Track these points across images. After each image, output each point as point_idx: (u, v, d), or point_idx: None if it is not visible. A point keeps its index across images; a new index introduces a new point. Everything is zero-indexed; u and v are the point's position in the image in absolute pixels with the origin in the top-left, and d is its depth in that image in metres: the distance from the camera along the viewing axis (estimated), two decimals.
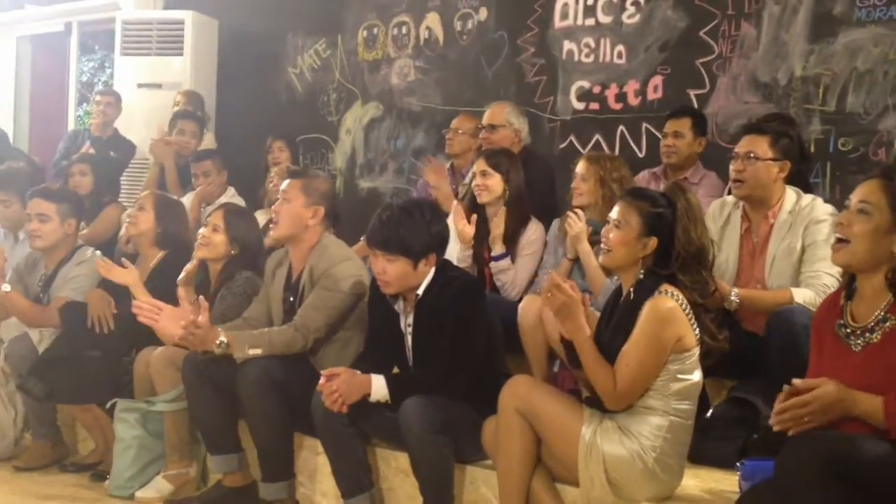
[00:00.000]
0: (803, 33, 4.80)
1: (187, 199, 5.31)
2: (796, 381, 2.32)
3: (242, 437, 3.66)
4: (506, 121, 4.73)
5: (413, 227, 3.18)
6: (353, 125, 6.61)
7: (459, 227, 4.09)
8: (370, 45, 6.56)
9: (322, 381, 3.16)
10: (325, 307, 3.51)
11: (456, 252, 4.06)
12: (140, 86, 6.93)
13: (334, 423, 3.21)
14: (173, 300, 3.82)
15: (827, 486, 2.12)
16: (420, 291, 3.23)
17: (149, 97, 6.86)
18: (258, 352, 3.41)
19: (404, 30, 6.39)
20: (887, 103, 4.53)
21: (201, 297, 3.55)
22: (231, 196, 5.48)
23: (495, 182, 4.11)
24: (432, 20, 6.26)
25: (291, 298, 3.65)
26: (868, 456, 2.15)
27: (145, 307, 3.53)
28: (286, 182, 3.70)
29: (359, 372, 3.18)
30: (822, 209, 3.41)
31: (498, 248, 4.03)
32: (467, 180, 4.92)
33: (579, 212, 3.81)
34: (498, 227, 4.04)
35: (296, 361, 3.47)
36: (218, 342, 3.38)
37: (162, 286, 3.98)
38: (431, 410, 3.01)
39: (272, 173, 5.23)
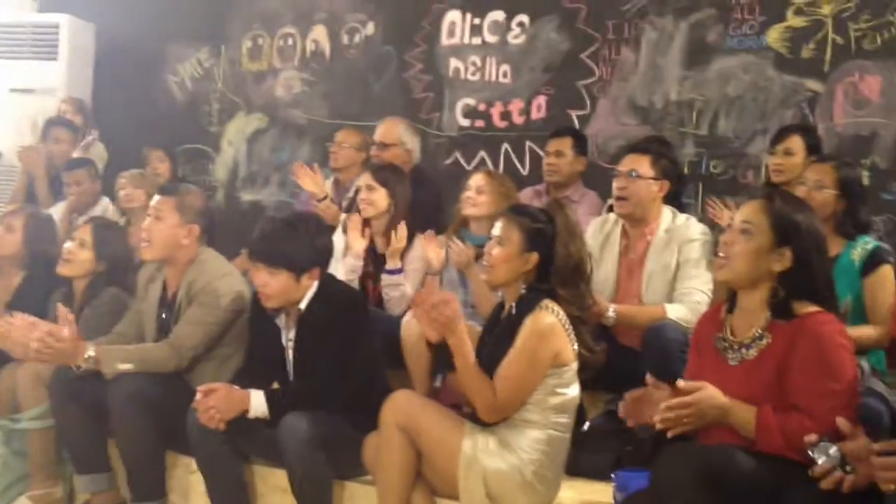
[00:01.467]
0: (678, 59, 4.98)
1: (57, 210, 5.10)
2: (681, 383, 2.38)
3: (112, 455, 3.52)
4: (398, 140, 4.72)
5: (296, 240, 3.14)
6: (236, 136, 6.50)
7: (352, 239, 4.06)
8: (255, 55, 6.47)
9: (198, 397, 3.08)
10: (204, 323, 3.42)
11: (345, 265, 4.02)
12: (12, 90, 6.64)
13: (210, 440, 3.13)
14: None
15: (700, 496, 2.17)
16: (303, 305, 3.19)
17: (21, 102, 6.57)
18: (129, 367, 3.29)
19: (290, 41, 6.32)
20: (756, 128, 4.74)
21: (66, 309, 3.39)
22: (105, 207, 5.29)
23: (380, 197, 4.09)
24: (319, 33, 6.22)
25: (164, 316, 3.53)
26: (740, 468, 2.21)
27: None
28: (157, 199, 3.55)
29: (237, 387, 3.12)
30: (695, 228, 3.53)
31: (394, 263, 4.00)
32: (350, 193, 4.89)
33: (457, 242, 3.82)
34: (399, 241, 4.00)
35: (170, 378, 3.36)
36: (86, 356, 3.25)
37: (29, 306, 3.78)
38: (311, 426, 2.97)
39: (122, 179, 5.04)
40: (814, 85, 4.60)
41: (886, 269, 3.29)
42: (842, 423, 2.12)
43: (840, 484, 2.10)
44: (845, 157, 4.06)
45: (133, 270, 3.86)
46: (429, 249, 4.00)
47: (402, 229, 4.01)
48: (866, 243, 3.33)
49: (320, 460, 2.99)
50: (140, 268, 3.77)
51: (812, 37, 4.59)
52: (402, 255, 4.07)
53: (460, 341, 2.76)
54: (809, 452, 2.15)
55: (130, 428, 3.28)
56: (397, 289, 3.99)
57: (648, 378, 2.49)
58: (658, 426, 2.37)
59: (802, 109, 4.61)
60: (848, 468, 2.09)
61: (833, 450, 2.12)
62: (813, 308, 2.37)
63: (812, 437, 2.15)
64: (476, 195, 3.94)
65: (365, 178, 4.14)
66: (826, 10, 4.56)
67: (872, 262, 3.28)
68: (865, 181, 4.23)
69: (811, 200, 3.03)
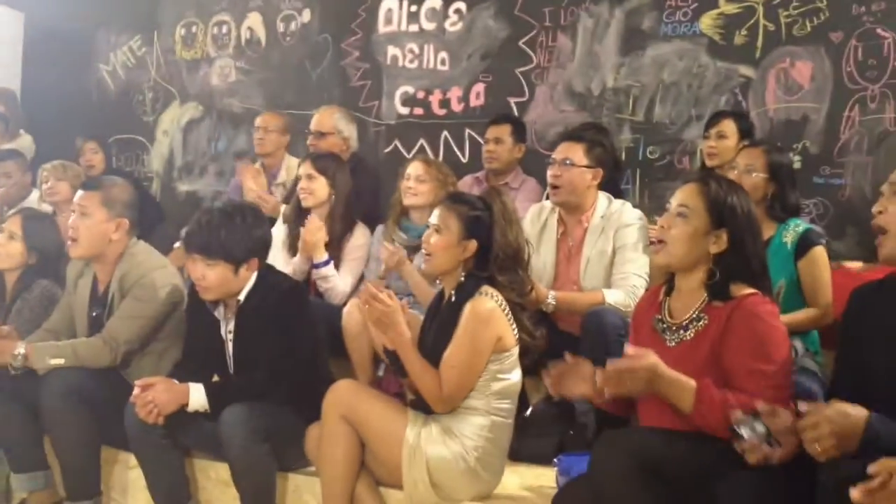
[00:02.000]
0: (615, 46, 5.02)
1: None
2: (628, 346, 2.40)
3: (49, 453, 3.45)
4: (334, 128, 4.69)
5: (234, 231, 3.10)
6: (171, 126, 6.40)
7: (308, 229, 4.02)
8: (188, 43, 6.37)
9: (136, 391, 3.03)
10: (138, 317, 3.36)
11: (293, 266, 3.98)
12: None
13: (149, 435, 3.08)
14: None
15: (637, 479, 2.21)
16: (241, 297, 3.16)
17: None
18: (60, 362, 3.23)
19: (225, 29, 6.24)
20: (691, 114, 4.81)
21: None
22: (35, 199, 5.17)
23: (320, 186, 4.06)
24: (254, 20, 6.14)
25: (95, 313, 3.46)
26: (676, 450, 2.25)
27: None
28: (81, 194, 3.45)
29: (176, 381, 3.08)
30: (630, 214, 3.57)
31: (319, 255, 3.96)
32: (279, 180, 4.85)
33: (388, 246, 3.79)
34: (315, 233, 3.93)
35: (105, 373, 3.31)
36: (15, 353, 3.18)
37: None
38: (252, 418, 2.94)
39: (44, 171, 4.92)
40: (746, 71, 4.67)
41: (819, 251, 3.36)
42: (760, 404, 2.16)
43: (768, 462, 2.14)
44: (776, 142, 4.15)
45: (65, 262, 3.78)
46: (381, 251, 3.94)
47: (314, 221, 3.94)
48: (797, 226, 3.40)
49: (262, 452, 2.97)
50: (70, 260, 3.69)
51: (744, 23, 4.67)
52: (343, 244, 4.04)
53: (400, 337, 2.76)
54: (735, 428, 2.18)
55: (64, 424, 3.22)
56: (328, 280, 3.95)
57: (567, 355, 2.51)
58: (598, 385, 2.37)
59: (736, 95, 4.69)
60: (773, 441, 2.14)
61: (759, 425, 2.16)
62: (748, 290, 2.42)
63: (738, 414, 2.19)
64: (416, 184, 3.93)
65: (305, 168, 4.09)
66: None
67: (805, 244, 3.35)
68: (797, 165, 4.33)
69: (742, 184, 3.08)
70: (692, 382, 2.31)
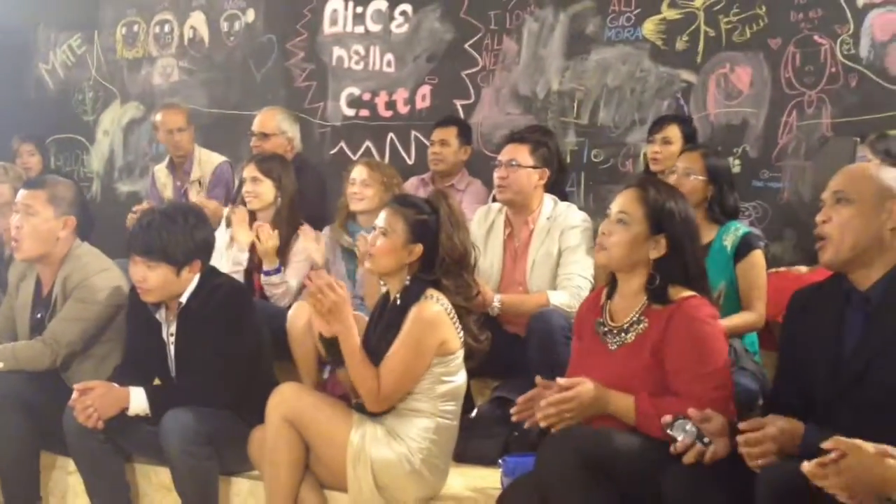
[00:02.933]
0: (559, 50, 5.06)
1: None
2: (560, 380, 2.43)
3: None
4: (278, 128, 4.65)
5: (176, 233, 3.07)
6: (112, 126, 6.30)
7: (237, 233, 3.97)
8: (130, 42, 6.27)
9: (75, 395, 2.98)
10: (80, 319, 3.30)
11: (230, 258, 3.94)
12: None
13: (89, 439, 3.04)
14: None
15: (583, 478, 2.24)
16: (183, 299, 3.12)
17: None
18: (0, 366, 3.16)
19: (167, 28, 6.16)
20: (634, 118, 4.86)
21: None
22: None
23: (266, 188, 4.02)
24: (197, 20, 6.07)
25: (39, 315, 3.39)
26: (621, 449, 2.28)
27: None
28: (24, 193, 3.38)
29: (116, 385, 3.04)
30: (575, 216, 3.61)
31: (269, 263, 3.91)
32: (193, 176, 4.78)
33: (364, 234, 3.77)
34: (268, 240, 3.89)
35: (44, 376, 3.25)
36: None
37: None
38: (194, 422, 2.92)
39: None
40: (688, 76, 4.74)
41: (757, 254, 3.43)
42: (692, 411, 2.23)
43: (703, 457, 2.19)
44: (717, 146, 4.23)
45: (5, 266, 3.70)
46: (307, 245, 3.93)
47: (267, 228, 3.88)
48: (737, 229, 3.46)
49: (204, 456, 2.94)
50: (11, 263, 3.61)
51: (685, 29, 4.73)
52: (289, 247, 4.01)
53: (346, 329, 2.74)
54: (668, 431, 2.23)
55: (1, 430, 3.15)
56: (277, 287, 3.92)
57: (538, 380, 2.53)
58: (541, 424, 2.41)
59: (678, 99, 4.75)
60: (706, 440, 2.19)
61: (689, 426, 2.22)
62: (687, 293, 2.46)
63: (667, 418, 2.24)
64: (361, 189, 3.91)
65: (249, 170, 4.05)
66: (698, 2, 4.71)
67: (744, 247, 3.41)
68: (737, 169, 4.40)
69: (681, 187, 3.13)
70: (630, 399, 2.38)
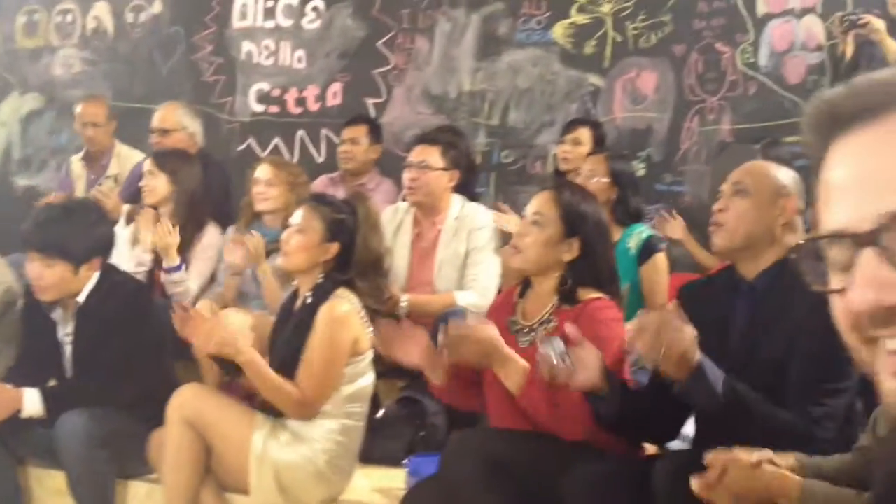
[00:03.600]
0: (471, 51, 5.09)
1: None
2: (470, 317, 2.43)
3: None
4: (178, 124, 4.53)
5: (74, 229, 2.98)
6: (10, 117, 6.08)
7: (142, 233, 3.86)
8: (30, 31, 6.07)
9: None
10: None
11: (134, 258, 3.83)
12: None
13: None
14: None
15: (487, 478, 2.25)
16: (81, 298, 3.04)
17: None
18: None
19: (69, 18, 5.97)
20: (544, 119, 4.92)
21: None
22: None
23: (161, 183, 3.92)
24: (101, 10, 5.91)
25: None
26: (524, 449, 2.31)
27: None
28: None
29: (9, 386, 2.94)
30: (483, 216, 3.63)
31: (169, 260, 3.80)
32: (110, 171, 4.67)
33: (255, 234, 3.71)
34: (164, 237, 3.76)
35: None
36: None
37: None
38: (90, 424, 2.85)
39: None
40: (595, 80, 4.83)
41: (660, 257, 3.52)
42: (569, 328, 2.22)
43: (557, 379, 2.18)
44: (623, 150, 4.31)
45: None
46: (231, 252, 3.83)
47: (165, 225, 3.78)
48: (641, 232, 3.54)
49: (100, 459, 2.88)
50: None
51: (593, 34, 4.82)
52: (191, 245, 3.92)
53: (249, 359, 2.70)
54: (540, 348, 2.22)
55: None
56: (179, 285, 3.83)
57: (403, 321, 2.53)
58: (440, 342, 2.39)
59: (586, 103, 4.83)
60: (567, 360, 2.17)
61: (556, 342, 2.20)
62: (595, 294, 2.50)
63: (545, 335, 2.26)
64: (265, 188, 3.82)
65: (147, 164, 3.97)
66: (606, 8, 4.79)
67: (647, 250, 3.50)
68: (641, 173, 4.50)
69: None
70: (526, 364, 2.37)
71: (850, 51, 3.96)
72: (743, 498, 1.85)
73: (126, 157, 4.87)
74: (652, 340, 2.04)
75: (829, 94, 0.78)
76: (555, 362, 2.17)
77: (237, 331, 2.71)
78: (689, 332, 2.06)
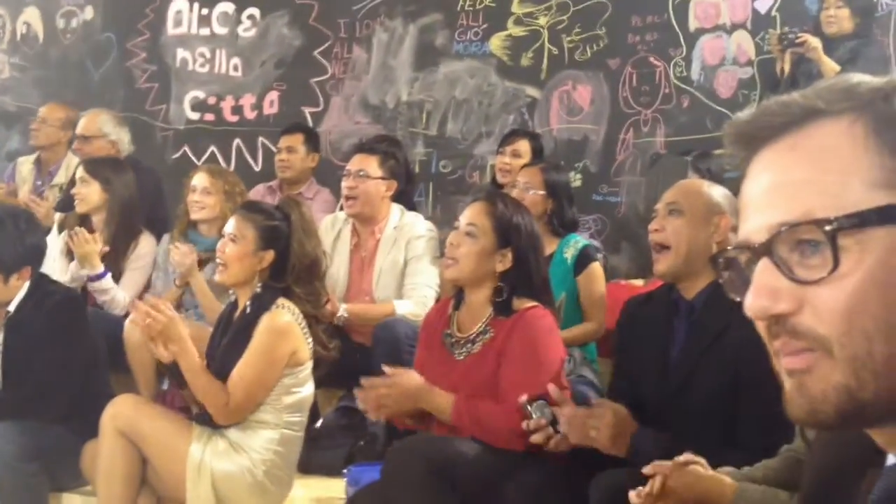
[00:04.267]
0: (409, 61, 5.11)
1: None
2: (385, 368, 2.48)
3: None
4: (99, 131, 4.45)
5: (4, 238, 2.93)
6: None
7: (76, 242, 3.76)
8: None
9: None
10: None
11: (70, 272, 3.75)
12: None
13: None
14: None
15: (428, 485, 2.26)
16: (11, 308, 2.97)
17: None
18: None
19: None
20: (481, 130, 4.97)
21: None
22: None
23: (93, 191, 3.85)
24: (31, 15, 5.80)
25: None
26: (466, 457, 2.32)
27: None
28: None
29: None
30: (421, 226, 3.64)
31: (93, 268, 3.72)
32: (56, 180, 4.59)
33: (180, 246, 3.67)
34: (83, 245, 3.69)
35: None
36: None
37: None
38: (21, 436, 2.79)
39: None
40: (532, 91, 4.88)
41: (595, 267, 3.56)
42: (552, 389, 2.29)
43: (549, 446, 2.26)
44: (558, 161, 4.36)
45: None
46: (173, 254, 3.76)
47: (83, 233, 3.70)
48: (576, 242, 3.59)
49: (31, 473, 2.83)
50: None
51: (530, 46, 4.88)
52: (127, 252, 3.85)
53: (183, 348, 2.67)
54: (527, 409, 2.30)
55: None
56: (106, 293, 3.76)
57: (384, 367, 2.55)
58: (359, 405, 2.45)
59: (523, 114, 4.89)
60: (558, 428, 2.26)
61: (547, 409, 2.29)
62: (530, 303, 2.52)
63: (524, 398, 2.31)
64: (201, 197, 3.77)
65: (78, 172, 3.89)
66: (542, 21, 4.86)
67: (583, 260, 3.54)
68: (577, 183, 4.56)
69: (522, 201, 3.22)
70: (451, 396, 2.43)
71: (787, 68, 4.07)
72: None
73: (74, 169, 4.78)
74: (583, 434, 2.17)
75: (742, 115, 0.83)
76: (548, 430, 2.25)
77: (171, 320, 2.66)
78: (613, 418, 2.15)
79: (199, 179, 3.77)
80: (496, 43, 4.95)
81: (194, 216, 3.77)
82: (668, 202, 2.39)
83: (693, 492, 1.87)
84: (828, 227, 0.73)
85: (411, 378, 2.44)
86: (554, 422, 2.27)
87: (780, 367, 0.78)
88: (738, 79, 4.49)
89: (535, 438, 2.26)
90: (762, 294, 0.76)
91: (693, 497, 1.87)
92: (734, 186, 2.51)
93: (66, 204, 4.15)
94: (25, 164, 4.85)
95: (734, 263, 0.81)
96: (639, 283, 3.97)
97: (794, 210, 0.75)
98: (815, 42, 4.01)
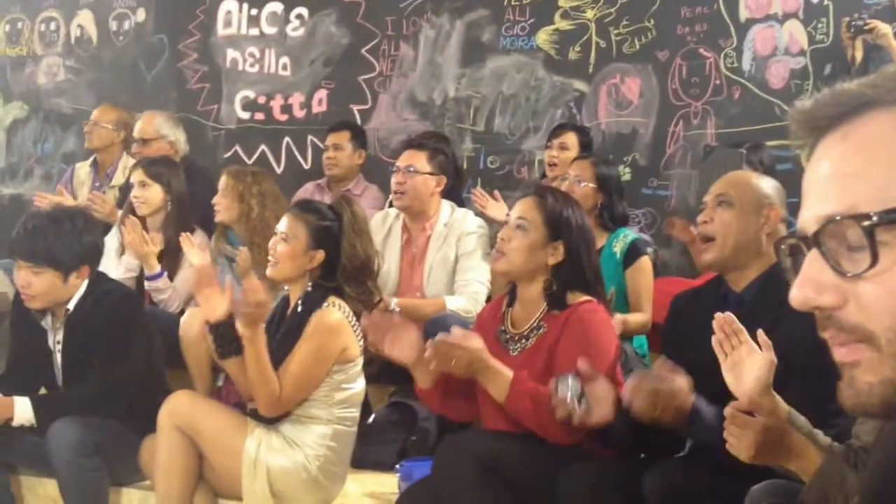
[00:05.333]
0: (456, 57, 5.11)
1: None
2: (456, 328, 2.44)
3: None
4: (157, 133, 4.52)
5: (62, 237, 2.98)
6: None
7: (132, 242, 3.82)
8: (13, 40, 6.05)
9: None
10: None
11: (123, 265, 3.82)
12: None
13: None
14: None
15: (479, 481, 2.27)
16: (71, 306, 3.03)
17: None
18: None
19: (53, 26, 5.96)
20: (529, 125, 4.95)
21: None
22: None
23: (154, 193, 3.91)
24: (85, 18, 5.89)
25: None
26: (517, 452, 2.32)
27: None
28: None
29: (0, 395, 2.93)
30: (472, 222, 3.65)
31: (150, 268, 3.78)
32: (114, 182, 4.65)
33: (243, 249, 3.71)
34: (140, 247, 3.74)
35: None
36: None
37: None
38: (82, 432, 2.84)
39: None
40: (580, 85, 4.85)
41: (645, 261, 3.54)
42: (582, 363, 2.25)
43: (573, 420, 2.22)
44: (609, 154, 4.34)
45: None
46: (131, 237, 3.75)
47: (140, 233, 3.73)
48: (626, 236, 3.57)
49: (92, 467, 2.88)
50: None
51: (577, 40, 4.84)
52: (181, 252, 3.91)
53: (258, 334, 2.69)
54: (553, 383, 2.25)
55: None
56: (163, 293, 3.81)
57: (396, 316, 2.54)
58: (425, 356, 2.40)
59: (571, 108, 4.86)
60: (583, 402, 2.21)
61: (572, 381, 2.23)
62: (583, 297, 2.52)
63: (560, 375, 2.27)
64: (219, 199, 3.77)
65: (137, 175, 3.95)
66: (589, 14, 4.83)
67: (633, 253, 3.52)
68: (627, 177, 4.53)
69: (572, 194, 3.21)
70: (510, 373, 2.38)
71: (859, 56, 3.98)
72: (762, 448, 1.83)
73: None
74: (648, 400, 2.11)
75: (801, 104, 0.82)
76: (571, 404, 2.20)
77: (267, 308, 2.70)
78: (682, 385, 2.09)
79: (221, 181, 3.82)
80: (543, 37, 4.93)
81: (216, 218, 3.82)
82: (718, 194, 2.37)
83: (780, 442, 1.85)
84: (866, 223, 0.73)
85: (478, 344, 2.39)
86: (582, 395, 2.23)
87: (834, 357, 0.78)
88: (791, 69, 4.41)
89: (558, 413, 2.23)
90: (806, 285, 0.76)
91: (777, 446, 1.85)
92: (786, 178, 2.48)
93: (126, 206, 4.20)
94: (83, 169, 4.93)
95: (796, 250, 0.81)
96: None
97: (842, 202, 0.75)
98: (884, 28, 3.89)
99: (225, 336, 2.74)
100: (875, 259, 0.73)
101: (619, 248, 3.53)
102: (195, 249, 3.63)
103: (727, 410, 1.88)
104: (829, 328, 0.76)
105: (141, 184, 3.91)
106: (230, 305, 2.71)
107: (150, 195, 3.90)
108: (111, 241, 3.86)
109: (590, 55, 4.83)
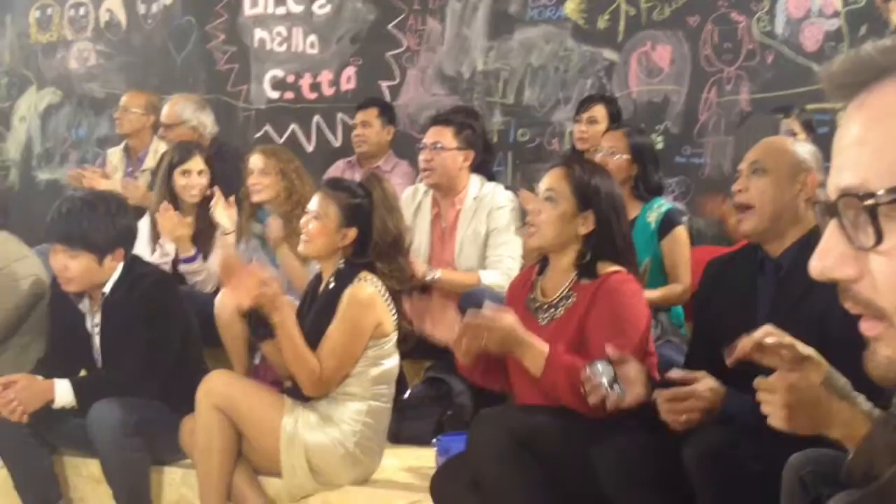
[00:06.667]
0: (483, 30, 5.07)
1: None
2: (486, 305, 2.43)
3: None
4: (178, 118, 4.52)
5: (97, 221, 3.01)
6: (28, 112, 6.11)
7: (166, 225, 3.84)
8: (44, 26, 6.09)
9: None
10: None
11: (159, 249, 3.86)
12: None
13: (14, 434, 2.98)
14: None
15: (514, 455, 2.27)
16: (107, 289, 3.07)
17: None
18: None
19: (82, 11, 5.99)
20: (559, 97, 4.90)
21: None
22: None
23: (273, 181, 3.79)
24: (113, 2, 5.92)
25: None
26: (551, 426, 2.31)
27: None
28: None
29: (40, 377, 2.98)
30: (502, 196, 3.63)
31: (184, 251, 3.80)
32: (145, 165, 4.68)
33: (276, 218, 3.71)
34: (175, 231, 3.75)
35: None
36: None
37: None
38: (122, 412, 2.88)
39: None
40: (610, 55, 4.79)
41: (680, 230, 3.50)
42: (610, 348, 2.22)
43: (607, 405, 2.19)
44: (640, 124, 4.28)
45: None
46: (218, 211, 3.80)
47: (173, 215, 3.73)
48: (660, 206, 3.53)
49: (134, 447, 2.92)
50: None
51: (606, 8, 4.78)
52: (214, 230, 3.93)
53: (285, 318, 2.72)
54: (586, 370, 2.22)
55: None
56: (198, 275, 3.83)
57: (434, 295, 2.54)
58: (458, 332, 2.39)
59: (600, 78, 4.80)
60: (616, 387, 2.19)
61: (604, 366, 2.21)
62: (614, 268, 2.50)
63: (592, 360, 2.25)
64: (259, 178, 3.75)
65: (195, 164, 3.86)
66: None
67: (667, 224, 3.49)
68: (659, 146, 4.47)
69: (606, 166, 3.18)
70: (545, 347, 2.36)
71: (894, 19, 3.89)
72: (796, 410, 1.79)
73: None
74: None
75: (825, 68, 0.80)
76: (605, 390, 2.18)
77: (278, 289, 2.72)
78: (708, 394, 2.07)
79: (255, 161, 3.78)
80: (571, 6, 4.87)
81: (255, 198, 3.78)
82: (752, 161, 2.33)
83: (816, 405, 1.80)
84: (868, 202, 0.71)
85: (508, 319, 2.37)
86: (615, 379, 2.22)
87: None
88: (825, 31, 4.33)
89: (590, 399, 2.21)
90: (824, 255, 0.75)
91: (813, 409, 1.80)
92: (824, 142, 2.43)
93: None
94: (115, 154, 4.98)
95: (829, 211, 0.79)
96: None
97: (856, 175, 0.73)
98: None
99: (258, 321, 2.76)
100: (879, 237, 0.71)
101: (653, 218, 3.49)
102: (221, 204, 3.63)
103: (756, 381, 1.85)
104: (848, 300, 0.75)
105: (199, 172, 3.86)
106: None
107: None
108: (143, 225, 3.89)
109: (619, 23, 4.76)
